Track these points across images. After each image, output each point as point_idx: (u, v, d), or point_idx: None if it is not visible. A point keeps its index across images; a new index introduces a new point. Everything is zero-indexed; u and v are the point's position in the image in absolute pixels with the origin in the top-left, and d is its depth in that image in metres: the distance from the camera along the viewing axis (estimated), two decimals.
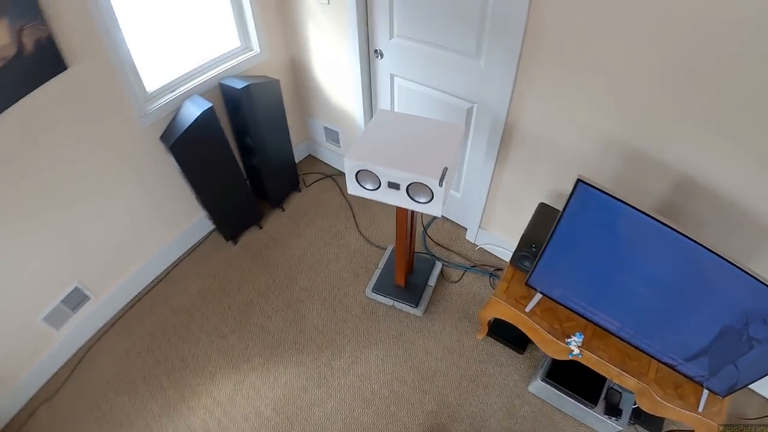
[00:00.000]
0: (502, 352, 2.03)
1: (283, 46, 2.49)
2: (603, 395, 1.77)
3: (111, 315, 2.23)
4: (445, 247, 2.44)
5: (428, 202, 1.46)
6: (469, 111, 2.02)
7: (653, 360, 1.57)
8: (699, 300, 1.28)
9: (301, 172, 2.89)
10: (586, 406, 1.73)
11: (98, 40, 1.67)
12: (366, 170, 1.47)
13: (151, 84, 2.01)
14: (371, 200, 2.62)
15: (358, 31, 2.10)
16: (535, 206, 2.02)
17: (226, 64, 2.25)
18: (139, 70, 1.92)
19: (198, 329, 2.16)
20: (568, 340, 1.63)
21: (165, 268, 2.41)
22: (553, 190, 1.92)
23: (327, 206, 2.68)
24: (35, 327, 1.92)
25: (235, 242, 2.50)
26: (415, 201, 1.49)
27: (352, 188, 1.56)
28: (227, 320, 2.18)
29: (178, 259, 2.45)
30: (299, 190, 2.77)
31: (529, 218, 2.07)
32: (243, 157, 2.50)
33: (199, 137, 2.01)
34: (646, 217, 1.20)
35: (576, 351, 1.62)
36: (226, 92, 2.20)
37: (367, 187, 1.53)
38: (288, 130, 2.49)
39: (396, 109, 2.38)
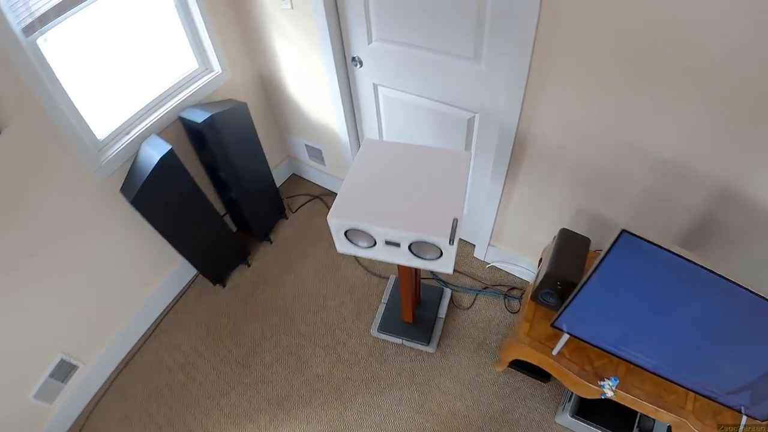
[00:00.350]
0: (524, 382, 1.88)
1: (248, 61, 2.21)
2: (636, 424, 1.64)
3: (103, 380, 2.06)
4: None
5: (437, 258, 1.26)
6: (471, 122, 1.79)
7: (691, 391, 1.42)
8: (748, 341, 1.14)
9: (286, 195, 2.66)
10: None
11: (31, 98, 1.43)
12: (357, 229, 1.26)
13: (102, 130, 1.77)
14: None
15: (330, 37, 1.84)
16: (552, 221, 1.83)
17: (186, 92, 1.99)
18: (86, 119, 1.68)
19: (196, 388, 1.98)
20: (602, 383, 1.46)
21: (152, 322, 2.21)
22: (574, 206, 1.72)
23: (318, 232, 2.47)
24: (29, 405, 1.79)
25: (223, 285, 2.30)
26: (420, 258, 1.28)
27: (342, 247, 1.34)
28: (226, 375, 2.00)
29: (164, 310, 2.25)
30: (286, 218, 2.55)
31: (545, 233, 1.90)
32: (219, 192, 2.26)
33: (162, 185, 1.77)
34: (694, 266, 1.02)
35: (610, 394, 1.46)
36: (188, 126, 1.94)
37: (360, 245, 1.31)
38: (264, 155, 2.25)
39: (383, 123, 2.13)
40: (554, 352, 1.52)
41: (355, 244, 1.32)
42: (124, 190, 1.80)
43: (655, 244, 1.03)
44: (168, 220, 1.89)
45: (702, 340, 1.23)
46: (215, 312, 2.21)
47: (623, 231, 1.04)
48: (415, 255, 1.27)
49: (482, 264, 2.26)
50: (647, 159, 1.40)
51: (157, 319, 2.22)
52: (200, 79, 2.06)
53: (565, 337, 1.52)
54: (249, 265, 2.36)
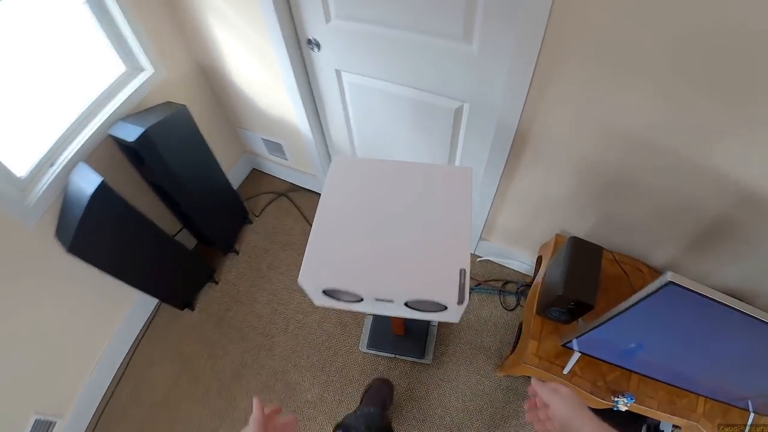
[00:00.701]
0: (527, 384, 1.80)
1: (185, 54, 1.85)
2: (645, 424, 1.60)
3: (84, 428, 1.85)
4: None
5: (440, 311, 1.07)
6: (458, 112, 1.54)
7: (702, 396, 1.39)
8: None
9: (248, 196, 2.37)
10: None
11: None
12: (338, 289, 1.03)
13: (21, 165, 1.44)
14: None
15: (278, 16, 1.51)
16: (553, 216, 1.66)
17: (114, 102, 1.64)
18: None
19: (182, 428, 1.81)
20: (616, 399, 1.38)
21: (122, 360, 1.98)
22: (579, 203, 1.54)
23: (288, 236, 2.22)
24: None
25: (192, 308, 2.07)
26: (420, 311, 1.09)
27: (320, 301, 1.12)
28: (211, 409, 1.83)
29: (133, 345, 2.01)
30: (250, 222, 2.28)
31: (545, 228, 1.73)
32: (171, 208, 1.95)
33: (100, 223, 1.49)
34: (739, 313, 0.88)
35: (623, 408, 1.39)
36: (121, 145, 1.60)
37: (344, 299, 1.09)
38: (215, 160, 1.93)
39: (351, 115, 1.85)
40: (565, 372, 1.41)
41: (338, 299, 1.10)
42: (60, 234, 1.50)
43: (704, 296, 0.87)
44: (115, 259, 1.62)
45: (726, 367, 1.14)
46: (189, 339, 2.00)
47: (670, 282, 0.87)
48: (413, 309, 1.08)
49: (473, 258, 2.10)
50: (670, 159, 1.21)
51: (127, 355, 1.99)
52: (129, 83, 1.70)
53: (577, 355, 1.41)
54: (216, 283, 2.12)
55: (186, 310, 2.05)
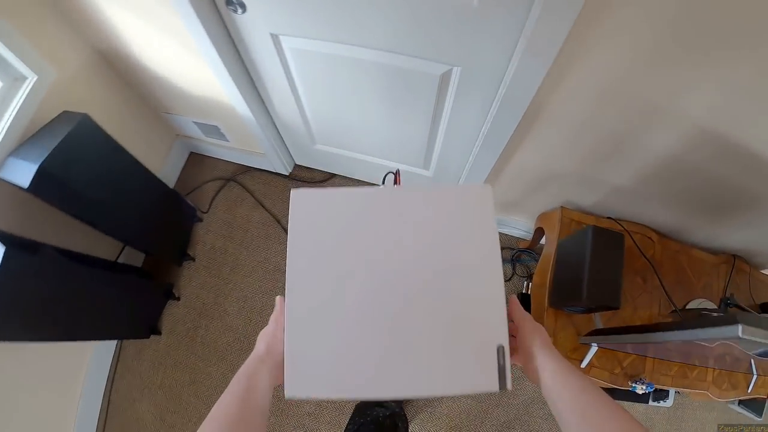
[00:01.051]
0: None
1: (77, 43, 1.44)
2: None
3: None
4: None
5: None
6: (445, 78, 1.21)
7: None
8: None
9: (191, 188, 1.99)
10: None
11: None
12: None
13: None
14: None
15: None
16: (557, 188, 1.46)
17: None
18: None
19: None
20: (633, 385, 1.33)
21: (99, 404, 1.74)
22: (590, 175, 1.35)
23: (246, 229, 1.92)
24: None
25: (159, 332, 1.81)
26: None
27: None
28: None
29: (105, 393, 1.76)
30: (200, 220, 1.93)
31: (546, 199, 1.54)
32: (105, 231, 1.57)
33: (17, 293, 1.17)
34: None
35: (640, 392, 1.35)
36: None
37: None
38: (139, 164, 1.53)
39: (300, 89, 1.47)
40: (583, 365, 1.33)
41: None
42: None
43: None
44: (53, 323, 1.32)
45: None
46: (164, 368, 1.78)
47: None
48: None
49: None
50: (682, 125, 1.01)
51: (103, 405, 1.74)
52: (11, 101, 1.25)
53: (595, 348, 1.31)
54: (178, 299, 1.83)
55: (153, 336, 1.79)
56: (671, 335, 0.91)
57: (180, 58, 1.39)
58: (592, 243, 1.21)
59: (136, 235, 1.58)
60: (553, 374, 0.59)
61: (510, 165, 1.45)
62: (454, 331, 0.77)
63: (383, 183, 1.05)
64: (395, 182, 0.99)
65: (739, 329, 0.72)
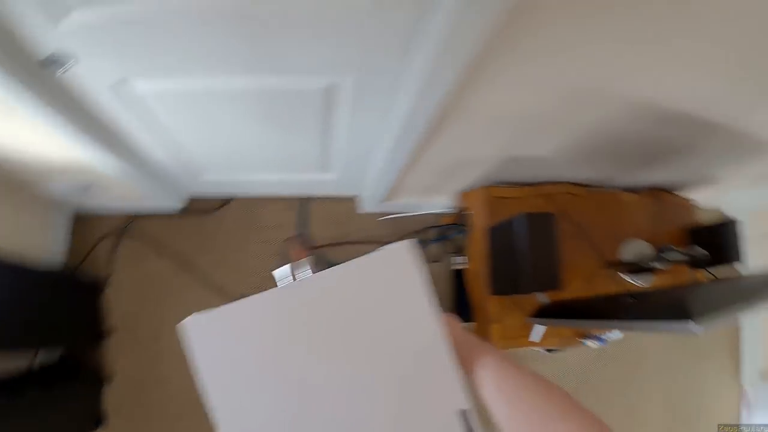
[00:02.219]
0: None
1: None
2: None
3: None
4: (337, 244, 1.78)
5: None
6: (331, 90, 1.07)
7: None
8: None
9: (84, 254, 1.70)
10: None
11: None
12: None
13: None
14: (211, 243, 1.72)
15: None
16: (477, 169, 1.42)
17: None
18: None
19: None
20: (585, 341, 1.40)
21: None
22: (509, 155, 1.31)
23: (160, 283, 1.72)
24: None
25: (101, 422, 1.60)
26: None
27: None
28: None
29: None
30: (106, 287, 1.68)
31: (465, 180, 1.50)
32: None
33: None
34: None
35: (593, 347, 1.43)
36: None
37: None
38: (15, 267, 1.27)
39: (173, 128, 1.26)
40: (536, 340, 1.37)
41: None
42: None
43: None
44: None
45: None
46: None
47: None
48: None
49: (371, 218, 1.83)
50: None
51: None
52: None
53: (543, 328, 1.35)
54: (111, 382, 1.63)
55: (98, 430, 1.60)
56: (620, 324, 0.93)
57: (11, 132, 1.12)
58: (527, 231, 1.19)
59: (40, 339, 1.35)
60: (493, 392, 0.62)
61: (426, 155, 1.36)
62: (410, 416, 0.71)
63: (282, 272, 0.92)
64: (295, 250, 0.89)
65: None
